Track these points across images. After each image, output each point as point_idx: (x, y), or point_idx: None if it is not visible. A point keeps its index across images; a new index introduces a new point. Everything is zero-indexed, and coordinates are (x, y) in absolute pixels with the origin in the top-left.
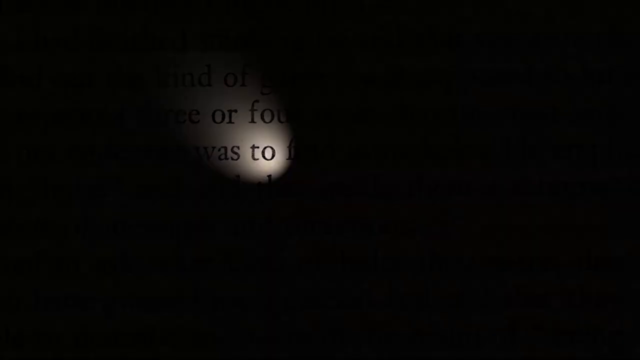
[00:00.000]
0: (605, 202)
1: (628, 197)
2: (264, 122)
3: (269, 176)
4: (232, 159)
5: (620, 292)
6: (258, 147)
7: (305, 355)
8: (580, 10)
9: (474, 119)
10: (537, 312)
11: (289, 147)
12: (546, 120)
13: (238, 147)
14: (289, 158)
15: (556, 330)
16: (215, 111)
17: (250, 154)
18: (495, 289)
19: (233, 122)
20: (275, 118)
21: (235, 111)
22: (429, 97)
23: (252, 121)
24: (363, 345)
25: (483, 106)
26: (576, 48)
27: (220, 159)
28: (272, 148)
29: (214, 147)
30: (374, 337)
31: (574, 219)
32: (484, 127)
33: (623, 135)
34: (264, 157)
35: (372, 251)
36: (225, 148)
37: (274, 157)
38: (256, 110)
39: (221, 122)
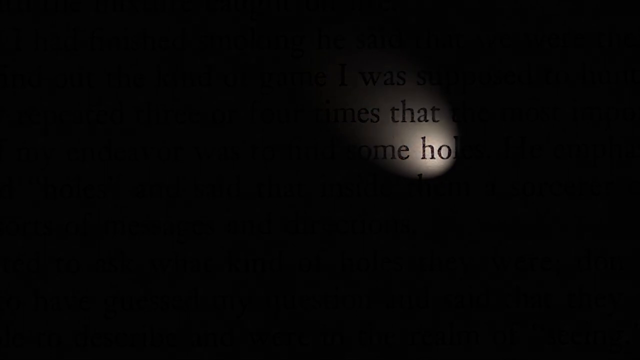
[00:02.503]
0: (605, 202)
1: (628, 197)
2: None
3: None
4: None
5: (620, 292)
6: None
7: (305, 355)
8: (580, 10)
9: (474, 119)
10: (537, 312)
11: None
12: (546, 120)
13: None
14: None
15: (556, 330)
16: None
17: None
18: (495, 289)
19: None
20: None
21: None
22: (428, 97)
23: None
24: (363, 345)
25: (483, 106)
26: (576, 48)
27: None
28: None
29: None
30: (373, 337)
31: (574, 218)
32: (484, 127)
33: (623, 135)
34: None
35: (372, 251)
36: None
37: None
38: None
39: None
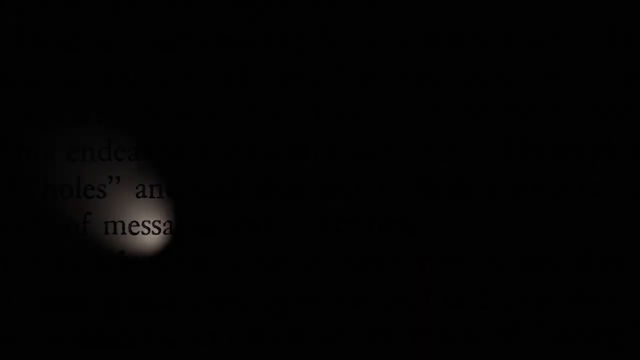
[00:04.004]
0: (605, 202)
1: (628, 197)
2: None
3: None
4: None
5: (620, 292)
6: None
7: (305, 355)
8: (580, 10)
9: (474, 119)
10: (537, 312)
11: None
12: (546, 120)
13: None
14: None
15: (556, 330)
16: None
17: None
18: (495, 289)
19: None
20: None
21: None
22: (429, 96)
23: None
24: (363, 345)
25: (483, 106)
26: (576, 48)
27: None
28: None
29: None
30: (373, 337)
31: (574, 218)
32: (485, 127)
33: (623, 135)
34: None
35: (372, 251)
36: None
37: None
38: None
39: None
